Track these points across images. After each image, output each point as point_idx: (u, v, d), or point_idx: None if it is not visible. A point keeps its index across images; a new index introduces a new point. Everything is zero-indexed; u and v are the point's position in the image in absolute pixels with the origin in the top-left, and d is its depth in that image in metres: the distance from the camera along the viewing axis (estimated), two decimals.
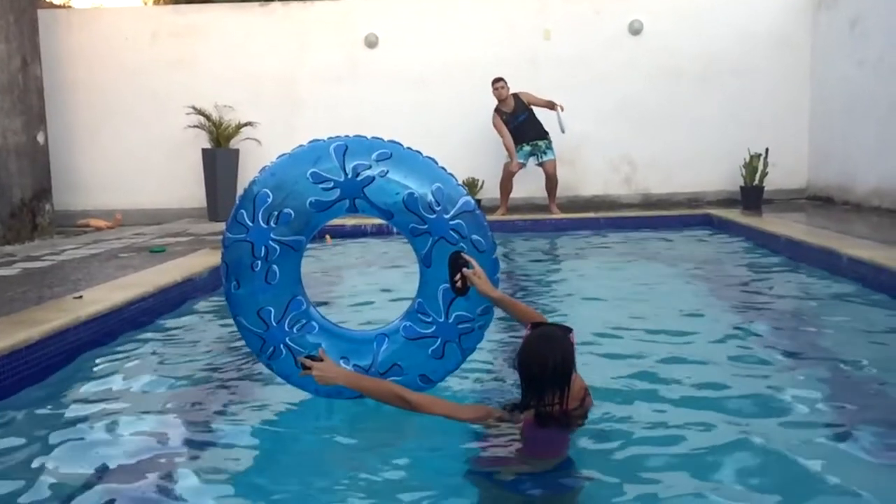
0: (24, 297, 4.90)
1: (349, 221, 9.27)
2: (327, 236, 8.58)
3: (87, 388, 3.65)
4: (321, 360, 3.01)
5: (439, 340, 3.13)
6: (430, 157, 3.09)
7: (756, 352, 3.93)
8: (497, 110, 9.75)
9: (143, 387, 3.65)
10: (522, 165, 9.75)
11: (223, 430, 3.11)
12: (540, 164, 9.77)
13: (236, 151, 10.47)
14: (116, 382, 3.72)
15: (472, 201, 3.09)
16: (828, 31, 10.16)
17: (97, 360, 4.04)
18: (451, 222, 3.01)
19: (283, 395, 3.39)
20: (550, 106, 9.53)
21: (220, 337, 4.58)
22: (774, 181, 9.91)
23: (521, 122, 9.69)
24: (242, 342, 4.31)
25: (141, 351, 4.26)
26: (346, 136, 3.06)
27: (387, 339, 3.20)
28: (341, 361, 3.10)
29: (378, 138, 3.07)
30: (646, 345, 4.11)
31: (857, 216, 8.44)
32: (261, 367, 3.70)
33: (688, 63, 10.49)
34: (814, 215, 8.79)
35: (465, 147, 10.02)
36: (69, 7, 14.97)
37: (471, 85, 10.21)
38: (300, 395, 3.32)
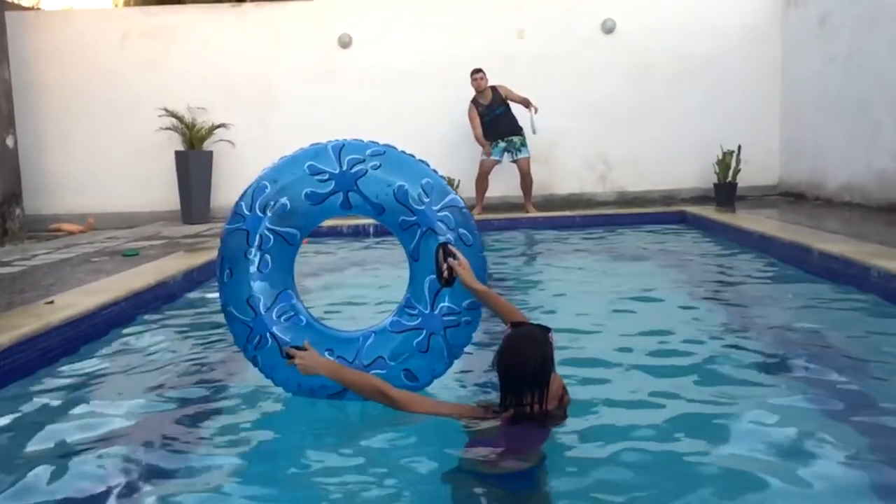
0: None
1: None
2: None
3: (59, 395, 3.60)
4: (305, 349, 3.01)
5: (424, 332, 3.15)
6: (422, 160, 3.21)
7: (731, 349, 3.97)
8: (474, 101, 9.78)
9: (117, 393, 3.62)
10: (497, 162, 9.78)
11: (200, 436, 3.08)
12: (514, 161, 9.81)
13: (210, 153, 10.40)
14: (89, 389, 3.68)
15: (460, 200, 3.21)
16: (797, 28, 10.27)
17: (69, 367, 3.99)
18: (439, 213, 3.11)
19: (264, 399, 3.37)
20: (526, 103, 9.56)
21: (194, 342, 4.54)
22: (747, 178, 9.99)
23: (496, 116, 9.71)
24: (219, 345, 4.33)
25: (114, 356, 4.22)
26: (345, 138, 3.21)
27: (373, 335, 3.22)
28: (326, 353, 3.11)
29: (374, 142, 3.19)
30: (621, 339, 4.14)
31: (828, 211, 8.54)
32: (239, 372, 3.68)
33: (660, 61, 10.56)
34: (786, 211, 8.89)
35: (441, 146, 9.99)
36: (38, 9, 14.81)
37: (446, 84, 10.21)
38: (281, 399, 3.30)
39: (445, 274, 3.10)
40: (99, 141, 10.74)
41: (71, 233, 9.57)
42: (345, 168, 3.10)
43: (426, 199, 3.11)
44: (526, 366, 2.64)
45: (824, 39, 9.52)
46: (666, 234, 8.28)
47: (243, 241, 3.14)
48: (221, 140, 10.43)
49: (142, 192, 10.75)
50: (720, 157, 9.79)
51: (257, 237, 3.13)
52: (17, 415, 3.33)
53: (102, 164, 10.73)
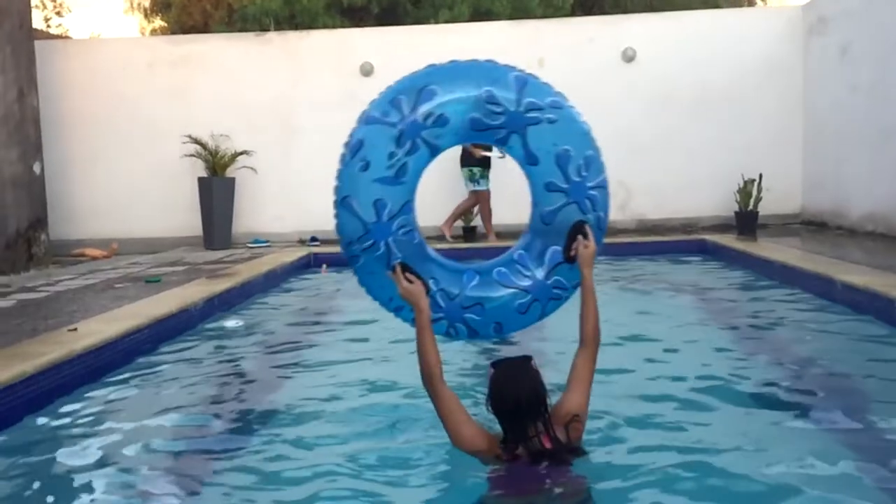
0: (18, 330, 4.88)
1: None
2: (324, 266, 8.59)
3: (83, 422, 3.62)
4: (416, 277, 2.91)
5: (530, 297, 3.10)
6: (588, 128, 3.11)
7: (750, 378, 3.93)
8: None
9: (139, 421, 3.63)
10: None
11: (222, 464, 3.09)
12: (479, 191, 9.77)
13: (232, 180, 10.50)
14: (111, 416, 3.71)
15: (608, 182, 3.12)
16: (819, 58, 10.25)
17: (92, 394, 4.01)
18: (590, 191, 3.03)
19: (285, 428, 3.39)
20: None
21: (216, 369, 4.57)
22: (769, 206, 9.94)
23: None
24: (240, 374, 4.36)
25: (136, 384, 4.24)
26: (524, 71, 3.09)
27: (477, 277, 3.13)
28: (431, 282, 3.01)
29: (553, 89, 3.07)
30: (642, 365, 4.13)
31: (851, 241, 8.47)
32: (258, 400, 3.70)
33: (681, 90, 10.57)
34: (808, 240, 8.82)
35: (458, 174, 10.00)
36: (67, 37, 15.11)
37: None
38: (304, 425, 3.34)
39: (573, 253, 3.04)
40: (123, 167, 10.89)
41: (95, 258, 9.67)
42: (521, 109, 2.95)
43: (584, 174, 3.01)
44: (521, 400, 2.63)
45: (847, 68, 9.49)
46: (686, 262, 8.24)
47: (392, 140, 2.92)
48: (244, 167, 10.53)
49: (165, 218, 10.87)
50: (741, 186, 9.75)
51: (409, 142, 2.92)
52: (37, 443, 3.35)
53: (126, 190, 10.89)
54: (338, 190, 3.03)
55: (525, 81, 3.00)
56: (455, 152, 9.90)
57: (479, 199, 9.80)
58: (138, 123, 10.85)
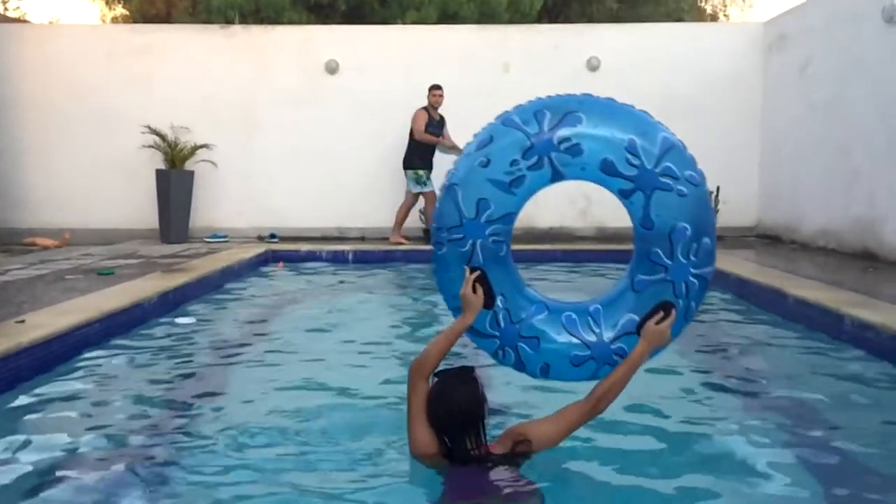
0: None
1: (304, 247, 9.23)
2: (280, 263, 8.52)
3: (28, 418, 3.54)
4: (484, 291, 2.83)
5: (588, 353, 2.89)
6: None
7: (698, 389, 3.99)
8: (426, 109, 9.83)
9: (87, 417, 3.56)
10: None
11: (173, 463, 3.03)
12: (424, 193, 9.86)
13: (191, 173, 10.35)
14: (58, 412, 3.62)
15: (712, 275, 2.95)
16: (779, 74, 10.44)
17: (39, 389, 3.91)
18: (691, 278, 2.87)
19: (237, 422, 3.36)
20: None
21: (168, 366, 4.49)
22: (725, 218, 10.06)
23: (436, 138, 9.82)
24: (191, 371, 4.30)
25: (84, 379, 4.15)
26: (675, 135, 2.99)
27: (546, 312, 2.95)
28: (499, 298, 2.88)
29: (693, 159, 2.97)
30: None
31: (804, 255, 8.63)
32: (210, 394, 3.66)
33: (642, 101, 10.26)
34: (763, 253, 8.96)
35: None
36: (25, 21, 14.77)
37: None
38: (257, 422, 3.32)
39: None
40: (79, 156, 10.67)
41: (46, 247, 9.46)
42: (657, 170, 2.82)
43: (692, 258, 2.86)
44: (452, 411, 2.63)
45: (805, 86, 9.68)
46: None
47: (520, 149, 2.80)
48: (203, 160, 10.39)
49: (121, 210, 10.68)
50: None
51: (535, 157, 2.79)
52: None
53: (82, 179, 10.67)
54: (450, 175, 2.93)
55: (672, 145, 2.89)
56: (398, 154, 9.94)
57: (427, 201, 9.82)
58: (96, 112, 10.63)
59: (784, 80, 10.28)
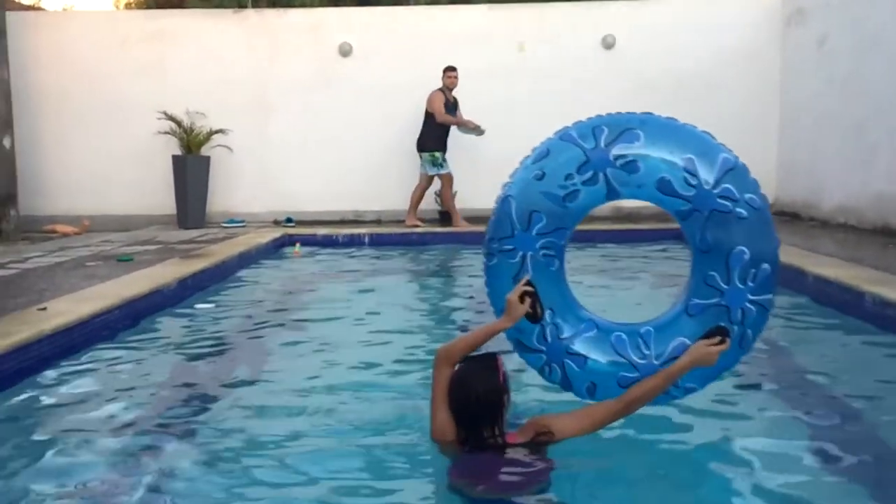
0: None
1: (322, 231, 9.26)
2: (297, 245, 8.55)
3: (50, 405, 3.59)
4: (527, 297, 2.78)
5: (636, 375, 2.83)
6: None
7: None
8: (443, 91, 9.82)
9: (109, 403, 3.59)
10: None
11: (193, 449, 3.06)
12: (439, 175, 9.87)
13: (207, 159, 10.38)
14: (80, 398, 3.66)
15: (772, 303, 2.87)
16: (796, 49, 10.31)
17: (61, 376, 3.96)
18: (748, 304, 2.79)
19: (256, 412, 3.37)
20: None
21: (188, 352, 4.53)
22: None
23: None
24: (211, 357, 4.34)
25: (107, 366, 4.19)
26: (737, 157, 2.94)
27: (595, 330, 2.92)
28: (548, 313, 2.85)
29: (756, 182, 2.92)
30: None
31: (823, 232, 8.56)
32: (230, 380, 3.69)
33: (659, 78, 10.57)
34: (781, 231, 8.80)
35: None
36: (39, 9, 14.82)
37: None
38: (273, 409, 3.34)
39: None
40: (96, 143, 10.73)
41: (66, 234, 9.53)
42: (716, 192, 2.79)
43: (750, 283, 2.79)
44: (470, 398, 2.63)
45: (823, 60, 9.56)
46: (660, 250, 8.27)
47: (575, 164, 2.79)
48: (219, 146, 10.42)
49: (138, 196, 10.74)
50: None
51: (590, 173, 2.78)
52: (5, 426, 3.31)
53: (100, 166, 10.73)
54: (506, 187, 2.93)
55: (733, 166, 2.85)
56: (412, 136, 9.93)
57: (444, 182, 9.82)
58: (112, 99, 10.67)
59: (802, 55, 10.15)
